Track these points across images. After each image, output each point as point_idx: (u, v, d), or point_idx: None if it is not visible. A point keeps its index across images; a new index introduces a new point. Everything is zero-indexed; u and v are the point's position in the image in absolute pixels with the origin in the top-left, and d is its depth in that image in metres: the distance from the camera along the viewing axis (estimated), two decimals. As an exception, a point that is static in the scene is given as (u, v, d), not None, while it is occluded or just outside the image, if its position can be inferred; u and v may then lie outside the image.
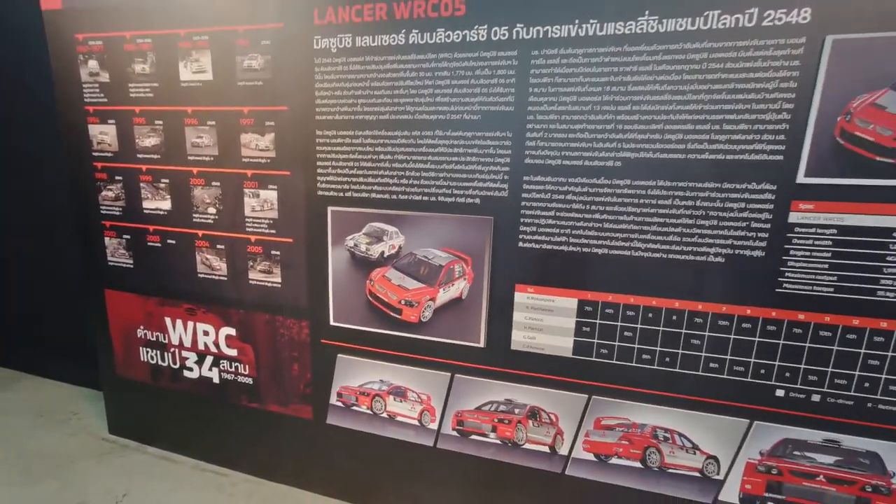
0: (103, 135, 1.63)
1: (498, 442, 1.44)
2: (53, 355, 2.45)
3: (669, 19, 1.07)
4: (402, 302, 1.42)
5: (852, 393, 1.15)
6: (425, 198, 1.34)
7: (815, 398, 1.17)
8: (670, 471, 1.31)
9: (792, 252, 1.11)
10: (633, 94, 1.13)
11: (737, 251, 1.15)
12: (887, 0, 0.95)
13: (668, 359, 1.25)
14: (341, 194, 1.42)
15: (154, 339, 1.80)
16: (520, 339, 1.35)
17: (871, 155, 1.02)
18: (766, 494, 1.26)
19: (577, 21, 1.13)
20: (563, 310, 1.30)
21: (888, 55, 0.97)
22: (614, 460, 1.36)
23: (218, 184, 1.54)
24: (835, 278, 1.10)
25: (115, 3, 1.49)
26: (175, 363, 1.79)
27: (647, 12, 1.08)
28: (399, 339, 1.47)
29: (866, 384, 1.13)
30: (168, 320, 1.75)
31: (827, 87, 1.01)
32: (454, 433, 1.49)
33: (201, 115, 1.50)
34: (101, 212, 1.72)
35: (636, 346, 1.27)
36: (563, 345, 1.32)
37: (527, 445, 1.42)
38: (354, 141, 1.37)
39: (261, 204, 1.51)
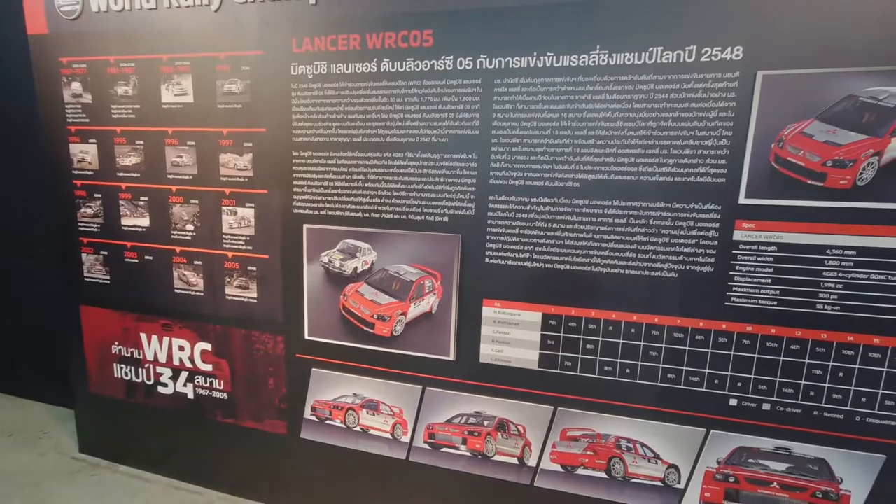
0: (84, 153, 1.67)
1: (468, 454, 1.47)
2: (26, 374, 2.41)
3: (618, 53, 1.16)
4: (375, 316, 1.46)
5: (799, 401, 1.21)
6: (396, 216, 1.40)
7: (766, 407, 1.23)
8: (634, 480, 1.35)
9: (738, 268, 1.19)
10: (589, 119, 1.21)
11: (688, 267, 1.22)
12: (808, 42, 1.05)
13: (628, 370, 1.31)
14: (316, 212, 1.47)
15: (129, 354, 1.80)
16: (488, 352, 1.40)
17: (803, 178, 1.11)
18: (725, 502, 1.30)
19: (535, 53, 1.21)
20: (528, 323, 1.35)
21: (812, 89, 1.07)
22: (580, 471, 1.39)
23: (196, 201, 1.58)
24: (777, 292, 1.18)
25: (100, 29, 1.55)
26: (150, 379, 1.79)
27: (598, 46, 1.17)
28: (372, 352, 1.50)
29: (811, 393, 1.20)
30: (143, 336, 1.76)
31: (761, 117, 1.11)
32: (426, 446, 1.51)
33: (182, 135, 1.55)
34: (79, 228, 1.74)
35: (598, 358, 1.32)
36: (529, 357, 1.37)
37: (496, 457, 1.45)
38: (329, 162, 1.43)
39: (238, 221, 1.55)
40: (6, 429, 2.18)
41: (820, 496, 1.23)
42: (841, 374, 1.17)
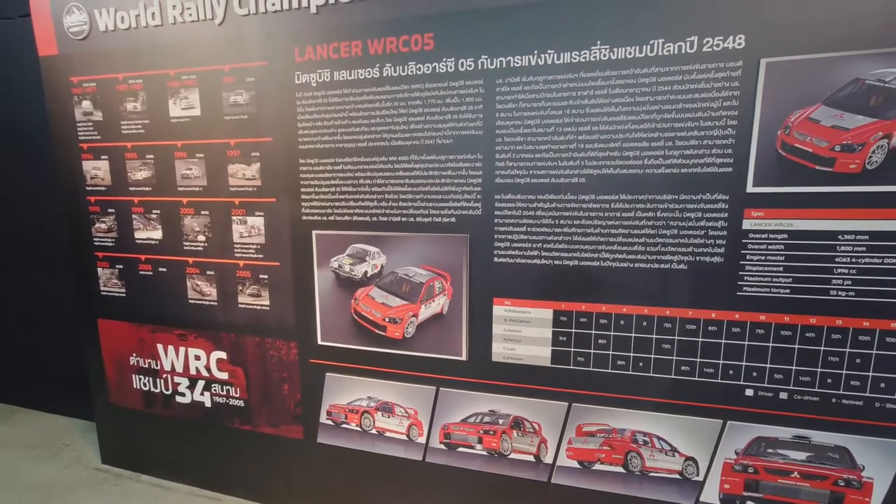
0: (96, 170, 1.70)
1: (484, 453, 1.47)
2: (48, 388, 2.46)
3: (619, 48, 1.17)
4: (387, 319, 1.47)
5: (817, 389, 1.20)
6: (404, 219, 1.41)
7: (783, 396, 1.22)
8: (652, 474, 1.35)
9: (748, 257, 1.18)
10: (592, 115, 1.22)
11: (698, 258, 1.21)
12: (811, 27, 1.05)
13: (641, 364, 1.30)
14: (325, 218, 1.49)
15: (147, 365, 1.83)
16: (500, 350, 1.40)
17: (811, 164, 1.10)
18: (745, 493, 1.29)
19: (536, 51, 1.22)
20: (539, 321, 1.36)
21: (817, 74, 1.06)
22: (598, 466, 1.39)
23: (207, 212, 1.61)
24: (790, 280, 1.17)
25: (108, 48, 1.59)
26: (167, 389, 1.82)
27: (598, 42, 1.18)
28: (384, 355, 1.51)
29: (829, 380, 1.19)
30: (160, 347, 1.79)
31: (766, 105, 1.10)
32: (442, 446, 1.52)
33: (190, 148, 1.58)
34: (95, 243, 1.78)
35: (611, 352, 1.32)
36: (541, 354, 1.37)
37: (513, 455, 1.45)
38: (335, 168, 1.44)
39: (248, 230, 1.57)
40: (30, 442, 2.23)
41: (842, 484, 1.22)
42: (858, 361, 1.16)
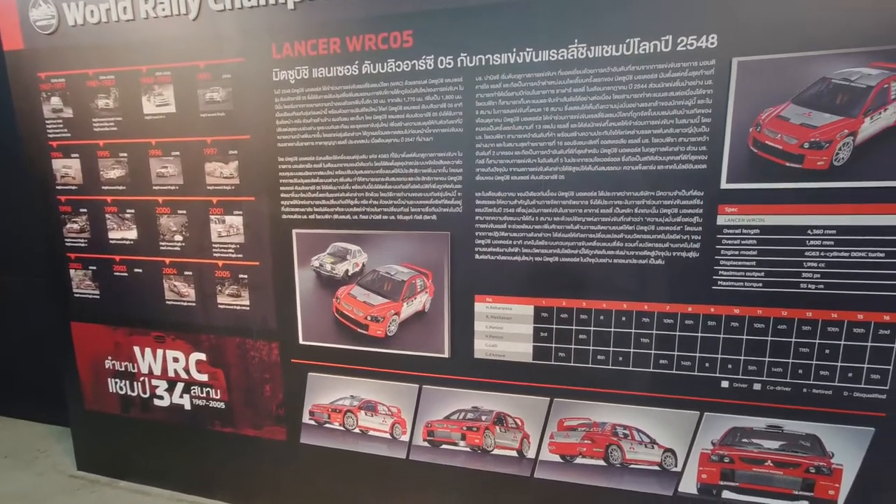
0: (67, 168, 1.65)
1: (468, 450, 1.48)
2: (20, 394, 2.39)
3: (596, 46, 1.18)
4: (368, 318, 1.46)
5: (788, 379, 1.23)
6: (385, 217, 1.40)
7: (757, 387, 1.26)
8: (632, 466, 1.37)
9: (723, 252, 1.21)
10: (570, 113, 1.23)
11: (674, 253, 1.24)
12: (781, 27, 1.07)
13: (621, 358, 1.32)
14: (305, 217, 1.47)
15: (123, 369, 1.79)
16: (482, 347, 1.41)
17: (781, 161, 1.13)
18: (721, 483, 1.33)
19: (514, 49, 1.22)
20: (520, 317, 1.37)
21: (786, 73, 1.09)
22: (579, 460, 1.41)
23: (184, 212, 1.57)
24: (762, 274, 1.20)
25: (77, 42, 1.54)
26: (145, 392, 1.78)
27: (576, 40, 1.19)
28: (367, 354, 1.51)
29: (800, 371, 1.22)
30: (137, 349, 1.75)
31: (738, 103, 1.13)
32: (425, 444, 1.52)
33: (165, 146, 1.54)
34: (66, 244, 1.72)
35: (591, 347, 1.34)
36: (523, 350, 1.38)
37: (496, 451, 1.46)
38: (315, 166, 1.43)
39: (227, 229, 1.54)
40: (2, 450, 2.15)
41: (813, 471, 1.26)
42: (827, 351, 1.19)
